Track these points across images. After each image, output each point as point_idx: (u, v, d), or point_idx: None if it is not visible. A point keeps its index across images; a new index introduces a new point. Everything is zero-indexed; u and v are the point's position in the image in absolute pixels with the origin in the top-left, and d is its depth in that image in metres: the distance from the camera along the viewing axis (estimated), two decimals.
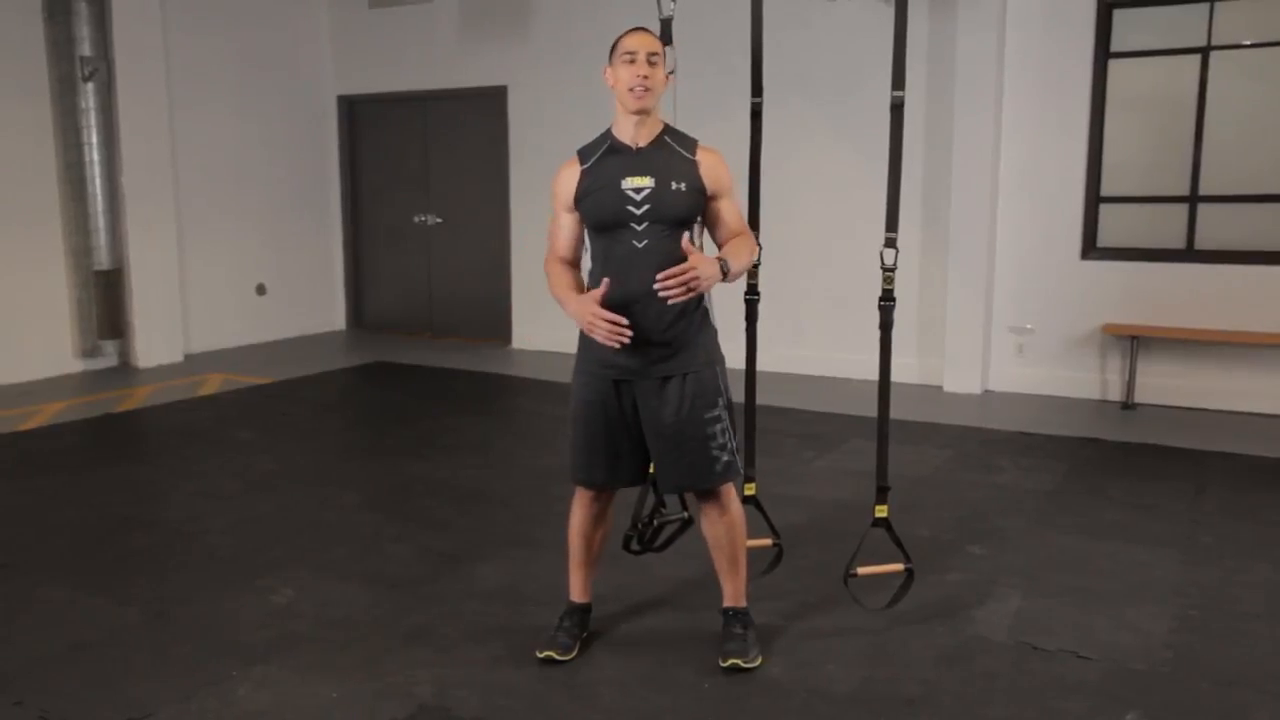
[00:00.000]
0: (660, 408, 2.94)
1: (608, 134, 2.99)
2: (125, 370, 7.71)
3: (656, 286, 2.77)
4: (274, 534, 4.31)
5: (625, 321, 2.78)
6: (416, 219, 9.30)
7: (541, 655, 3.11)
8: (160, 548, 4.17)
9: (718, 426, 2.98)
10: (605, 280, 2.84)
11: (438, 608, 3.54)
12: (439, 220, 9.20)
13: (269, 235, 8.94)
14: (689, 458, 2.97)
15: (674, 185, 2.89)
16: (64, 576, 3.84)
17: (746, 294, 3.55)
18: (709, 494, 3.05)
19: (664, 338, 2.91)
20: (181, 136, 8.07)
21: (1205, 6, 6.28)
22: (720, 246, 3.00)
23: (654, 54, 2.89)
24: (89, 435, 5.98)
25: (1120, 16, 6.52)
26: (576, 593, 3.27)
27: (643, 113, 2.92)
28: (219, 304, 8.53)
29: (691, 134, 3.05)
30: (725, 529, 3.09)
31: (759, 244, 3.27)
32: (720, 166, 2.97)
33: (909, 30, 3.34)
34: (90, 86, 7.36)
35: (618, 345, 2.81)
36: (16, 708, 2.91)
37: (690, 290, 2.77)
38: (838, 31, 7.07)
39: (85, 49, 7.31)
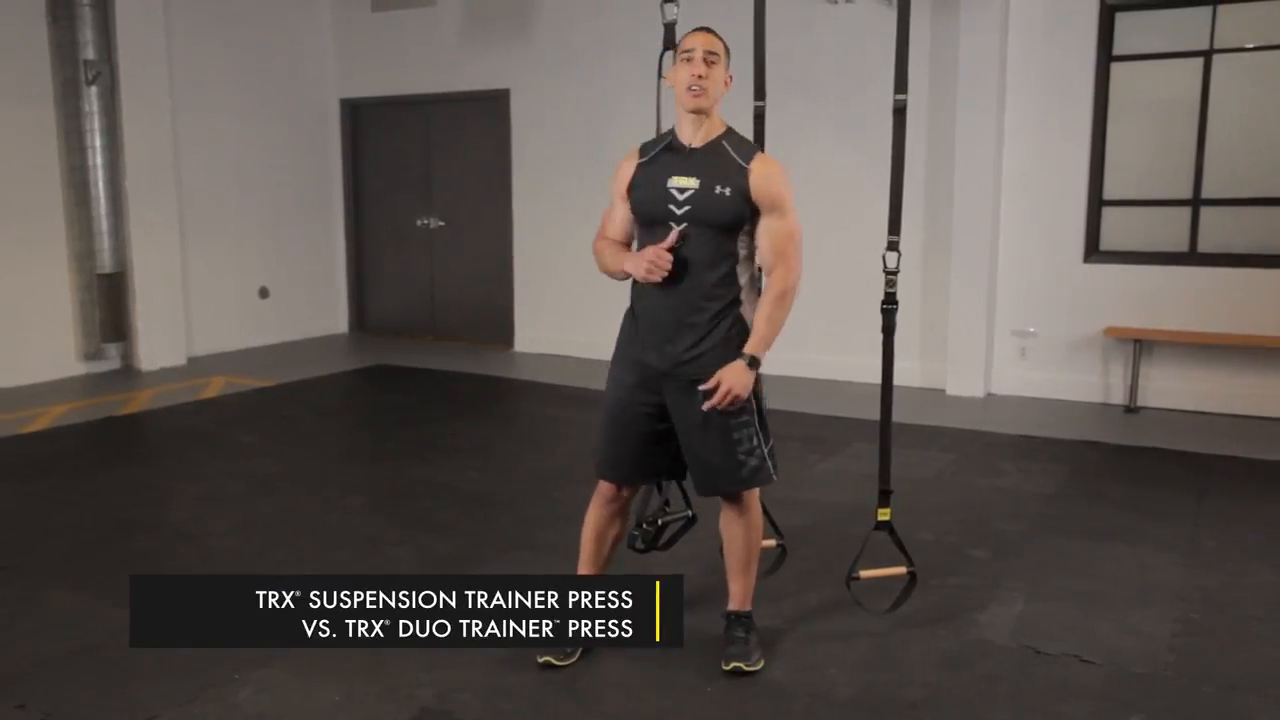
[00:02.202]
0: (689, 411, 2.93)
1: (670, 132, 3.00)
2: (128, 373, 7.71)
3: (705, 407, 2.84)
4: (276, 537, 4.31)
5: (667, 260, 2.83)
6: (419, 222, 9.30)
7: (541, 660, 3.11)
8: (163, 550, 4.17)
9: (746, 431, 2.94)
10: (676, 229, 2.85)
11: None
12: (441, 223, 9.20)
13: (272, 238, 8.94)
14: (716, 461, 2.96)
15: (718, 189, 2.84)
16: (67, 579, 3.85)
17: None
18: (735, 502, 3.04)
19: (689, 342, 2.90)
20: (184, 140, 8.08)
21: (1208, 10, 6.28)
22: (765, 259, 2.94)
23: (712, 53, 2.87)
24: (92, 438, 5.98)
25: (1123, 19, 6.52)
26: None
27: (699, 112, 2.90)
28: (222, 307, 8.53)
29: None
30: (742, 530, 3.08)
31: (799, 267, 2.99)
32: (773, 180, 2.87)
33: (911, 33, 3.34)
34: (94, 90, 7.37)
35: (658, 279, 2.84)
36: (19, 710, 2.91)
37: (735, 398, 2.84)
38: (840, 34, 7.08)
39: (89, 53, 7.33)
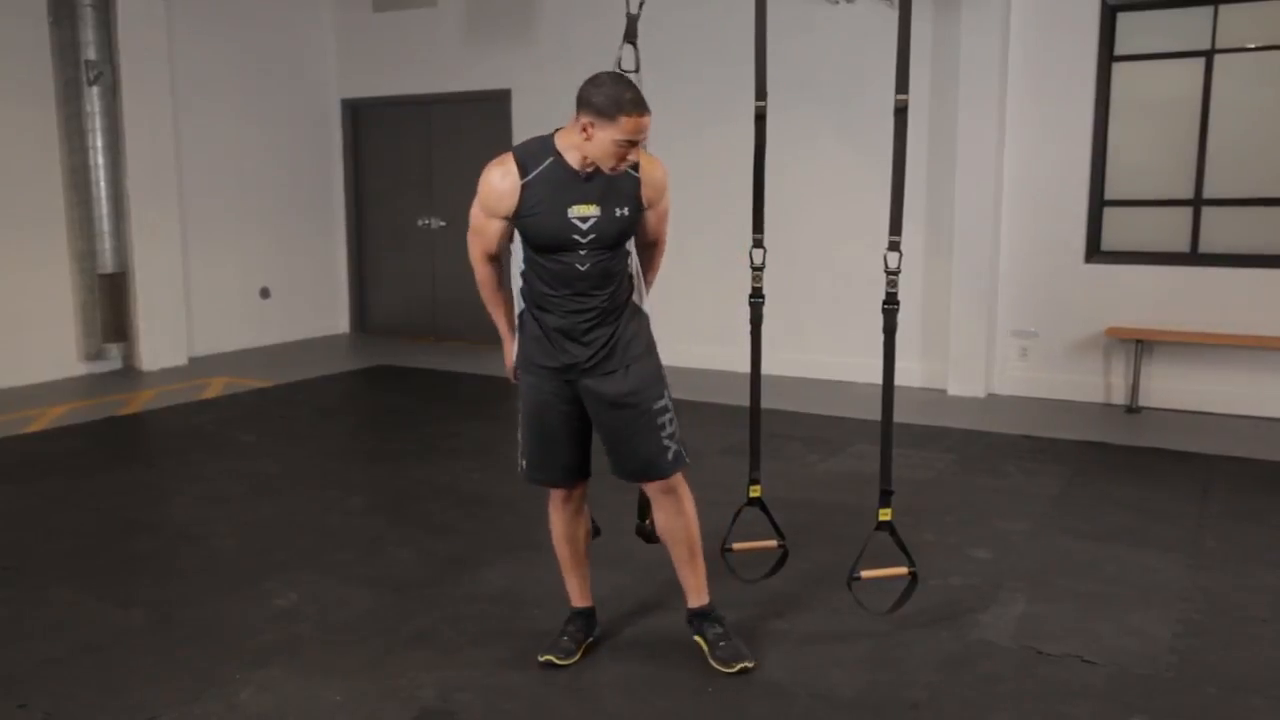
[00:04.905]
0: (607, 402, 2.94)
1: (550, 147, 2.85)
2: (129, 373, 7.72)
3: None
4: (277, 537, 4.31)
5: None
6: (420, 222, 9.30)
7: (542, 659, 3.11)
8: (164, 551, 4.17)
9: (666, 416, 2.98)
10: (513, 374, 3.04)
11: (441, 611, 3.54)
12: (443, 224, 9.20)
13: (273, 238, 8.95)
14: (642, 449, 2.97)
15: (618, 212, 2.85)
16: (68, 579, 3.85)
17: (751, 297, 3.55)
18: (664, 486, 3.03)
19: (601, 342, 2.92)
20: (186, 140, 8.09)
21: (1209, 9, 6.27)
22: (640, 241, 3.03)
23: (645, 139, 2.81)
24: (93, 438, 5.98)
25: (1124, 19, 6.52)
26: (576, 597, 3.27)
27: None
28: (223, 307, 8.54)
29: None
30: (683, 521, 3.07)
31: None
32: (659, 179, 2.93)
33: (912, 33, 3.33)
34: (95, 90, 7.37)
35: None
36: (21, 710, 2.91)
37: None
38: (842, 34, 7.07)
39: (90, 53, 7.33)
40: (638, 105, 2.73)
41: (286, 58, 8.96)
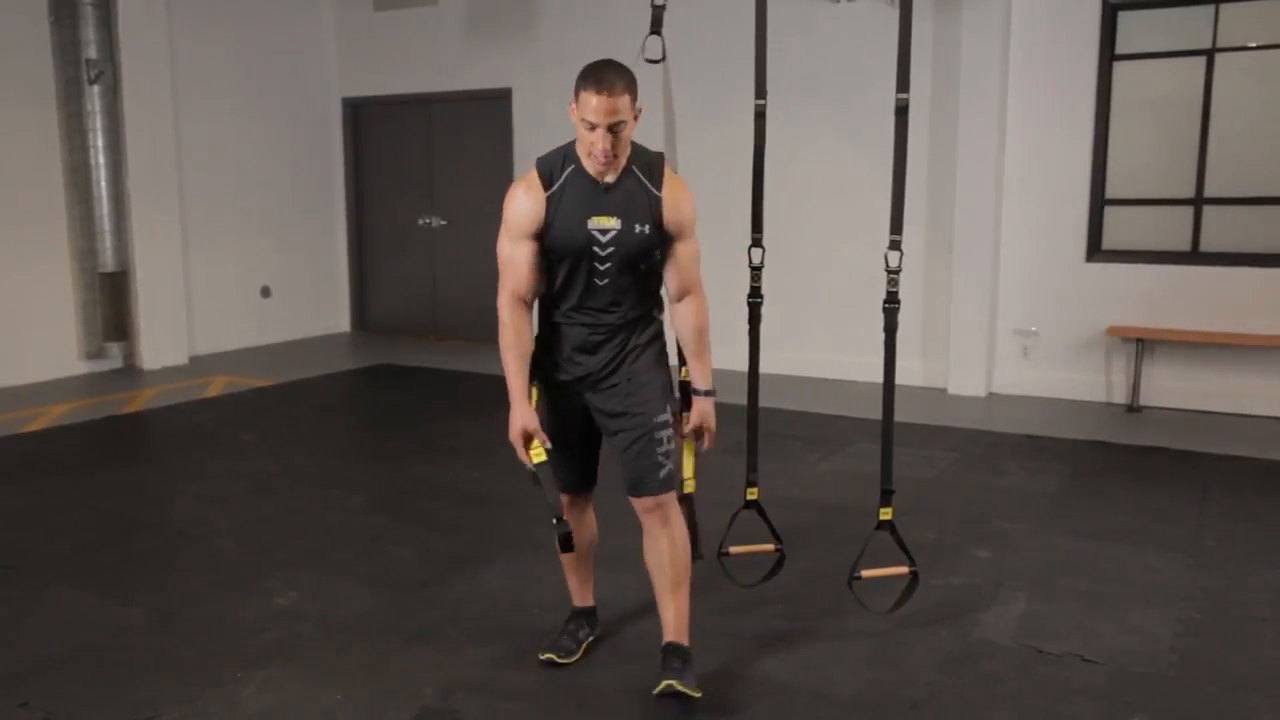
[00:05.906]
0: (609, 413, 2.90)
1: (570, 155, 2.78)
2: (130, 372, 7.72)
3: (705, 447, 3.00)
4: (278, 536, 4.31)
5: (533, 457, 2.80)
6: (421, 221, 9.31)
7: (543, 657, 3.11)
8: (165, 550, 4.17)
9: (665, 433, 2.87)
10: (532, 471, 2.79)
11: (442, 610, 3.54)
12: (443, 223, 9.21)
13: (274, 237, 8.95)
14: (635, 462, 2.87)
15: (637, 229, 2.77)
16: (69, 579, 3.85)
17: (750, 296, 3.54)
18: (650, 505, 2.89)
19: (610, 355, 2.87)
20: (187, 139, 8.09)
21: (1210, 9, 6.27)
22: (672, 287, 2.90)
23: (618, 123, 2.63)
24: (94, 437, 5.98)
25: (1125, 19, 6.52)
26: (577, 598, 3.27)
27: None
28: (224, 306, 8.54)
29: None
30: (668, 544, 2.91)
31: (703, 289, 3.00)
32: (683, 204, 2.82)
33: (914, 33, 3.33)
34: (96, 89, 7.37)
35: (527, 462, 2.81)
36: (22, 709, 2.91)
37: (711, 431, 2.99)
38: (842, 34, 7.07)
39: (91, 52, 7.33)
40: (593, 80, 2.61)
41: (287, 56, 8.96)
